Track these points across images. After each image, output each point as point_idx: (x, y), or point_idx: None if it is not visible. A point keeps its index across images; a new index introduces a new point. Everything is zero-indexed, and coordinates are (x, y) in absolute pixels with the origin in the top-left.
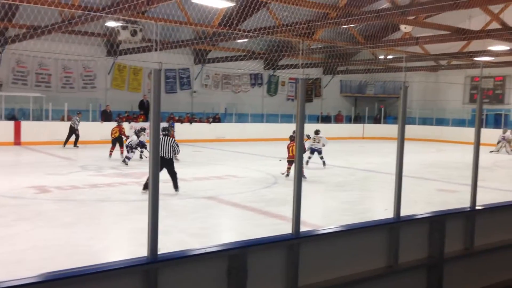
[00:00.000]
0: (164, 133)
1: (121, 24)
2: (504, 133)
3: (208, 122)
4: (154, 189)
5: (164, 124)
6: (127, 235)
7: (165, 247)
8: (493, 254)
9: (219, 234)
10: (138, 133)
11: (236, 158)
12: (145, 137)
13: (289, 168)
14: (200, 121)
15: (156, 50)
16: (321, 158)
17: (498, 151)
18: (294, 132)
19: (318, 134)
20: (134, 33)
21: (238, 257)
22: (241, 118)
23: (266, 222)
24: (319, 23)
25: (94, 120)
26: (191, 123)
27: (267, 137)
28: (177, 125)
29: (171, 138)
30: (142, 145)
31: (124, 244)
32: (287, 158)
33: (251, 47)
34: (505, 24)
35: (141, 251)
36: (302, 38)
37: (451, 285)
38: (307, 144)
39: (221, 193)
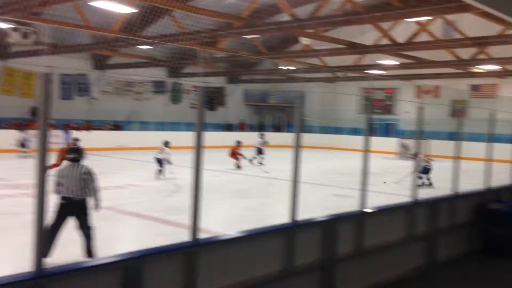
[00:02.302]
0: (72, 156)
1: (12, 25)
2: (403, 140)
3: (108, 129)
4: (40, 201)
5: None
6: (14, 249)
7: (55, 260)
8: (380, 254)
9: (115, 246)
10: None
11: (138, 167)
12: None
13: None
14: (100, 129)
15: (47, 53)
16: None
17: (401, 157)
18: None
19: None
20: (25, 36)
21: (133, 268)
22: (144, 126)
23: (166, 230)
24: (222, 32)
25: None
26: (89, 130)
27: (170, 145)
28: (74, 133)
29: (82, 167)
30: None
31: (11, 259)
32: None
33: (154, 54)
34: (394, 40)
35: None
36: (206, 46)
37: (343, 284)
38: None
39: (120, 203)
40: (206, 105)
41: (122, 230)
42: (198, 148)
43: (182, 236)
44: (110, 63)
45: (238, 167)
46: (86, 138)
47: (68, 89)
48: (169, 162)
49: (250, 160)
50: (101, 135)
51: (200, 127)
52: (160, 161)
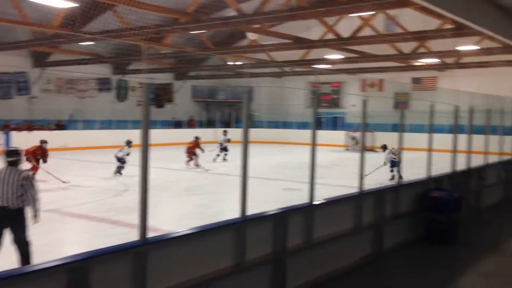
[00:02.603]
0: (11, 159)
1: None
2: (354, 133)
3: (51, 129)
4: None
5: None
6: None
7: None
8: (329, 244)
9: (61, 249)
10: None
11: (83, 167)
12: None
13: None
14: (41, 129)
15: None
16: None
17: (351, 150)
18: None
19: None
20: None
21: (79, 270)
22: (89, 125)
23: (115, 231)
24: (168, 28)
25: None
26: (30, 131)
27: (117, 144)
28: (13, 134)
29: (21, 172)
30: None
31: None
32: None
33: (97, 50)
34: (338, 35)
35: None
36: (151, 42)
37: (294, 276)
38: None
39: (64, 205)
40: (153, 102)
41: (68, 233)
42: (145, 146)
43: (132, 236)
44: (50, 60)
45: (197, 165)
46: (27, 139)
47: (7, 88)
48: (123, 162)
49: (214, 159)
50: (43, 135)
51: (146, 124)
52: (120, 160)
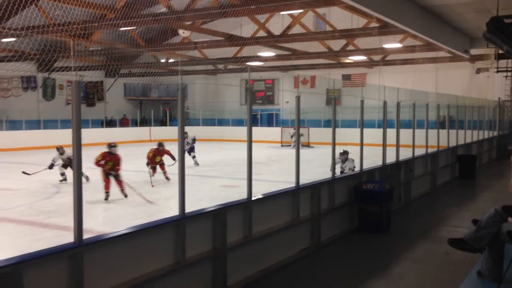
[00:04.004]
0: None
1: None
2: (294, 129)
3: None
4: None
5: None
6: None
7: None
8: (268, 239)
9: None
10: None
11: (8, 170)
12: None
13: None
14: None
15: None
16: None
17: (293, 146)
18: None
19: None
20: None
21: (9, 276)
22: (14, 125)
23: (48, 235)
24: (95, 24)
25: None
26: None
27: (45, 144)
28: None
29: None
30: None
31: None
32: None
33: (20, 47)
34: (270, 33)
35: None
36: (79, 39)
37: (234, 272)
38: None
39: None
40: (83, 100)
41: None
42: (78, 146)
43: (66, 239)
44: None
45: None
46: None
47: None
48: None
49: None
50: None
51: (78, 123)
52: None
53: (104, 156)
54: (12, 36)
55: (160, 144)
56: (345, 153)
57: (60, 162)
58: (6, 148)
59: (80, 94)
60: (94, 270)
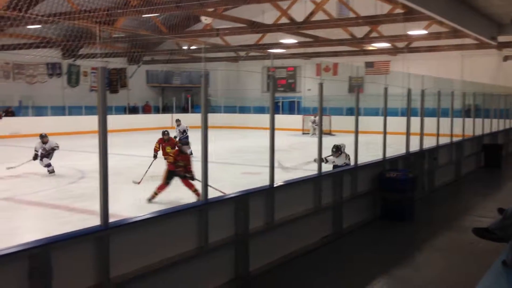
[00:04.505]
0: None
1: None
2: (315, 117)
3: (0, 117)
4: None
5: None
6: None
7: None
8: (290, 226)
9: (20, 237)
10: None
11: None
12: None
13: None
14: None
15: None
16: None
17: (311, 134)
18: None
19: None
20: None
21: (40, 256)
22: (39, 111)
23: (74, 218)
24: (119, 10)
25: None
26: None
27: (70, 130)
28: None
29: None
30: None
31: None
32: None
33: (46, 33)
34: (293, 19)
35: None
36: (103, 25)
37: (257, 258)
38: None
39: (19, 193)
40: (107, 87)
41: (25, 221)
42: (103, 132)
43: (91, 222)
44: None
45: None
46: None
47: None
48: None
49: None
50: None
51: (104, 110)
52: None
53: (174, 154)
54: (39, 22)
55: (164, 133)
56: (338, 150)
57: (40, 152)
58: (32, 134)
59: (105, 80)
60: (119, 253)
